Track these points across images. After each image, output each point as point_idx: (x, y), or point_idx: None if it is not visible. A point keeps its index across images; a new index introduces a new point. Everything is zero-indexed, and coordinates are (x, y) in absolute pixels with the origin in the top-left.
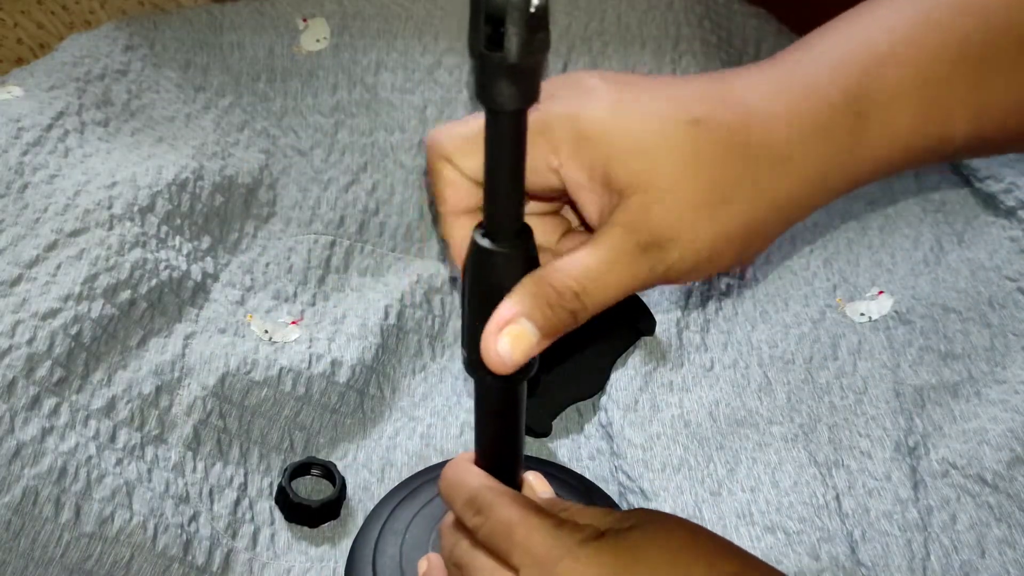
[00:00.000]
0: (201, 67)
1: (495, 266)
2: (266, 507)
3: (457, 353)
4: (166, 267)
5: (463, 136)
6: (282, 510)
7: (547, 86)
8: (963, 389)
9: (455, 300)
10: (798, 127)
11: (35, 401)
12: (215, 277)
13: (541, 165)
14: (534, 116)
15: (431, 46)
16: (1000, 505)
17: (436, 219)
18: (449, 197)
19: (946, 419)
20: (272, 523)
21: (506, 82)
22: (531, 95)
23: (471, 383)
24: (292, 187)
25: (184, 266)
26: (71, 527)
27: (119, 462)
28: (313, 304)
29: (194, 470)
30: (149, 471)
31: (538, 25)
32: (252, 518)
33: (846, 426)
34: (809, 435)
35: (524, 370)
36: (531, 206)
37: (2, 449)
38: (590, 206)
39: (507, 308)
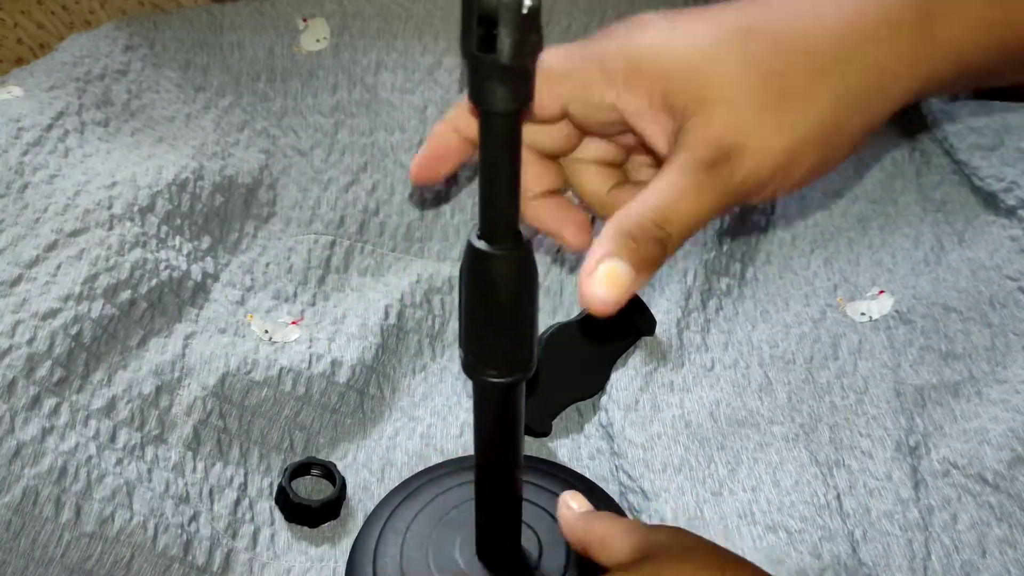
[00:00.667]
0: (201, 67)
1: (491, 268)
2: (266, 507)
3: (457, 353)
4: (166, 267)
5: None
6: (282, 510)
7: (606, 30)
8: (964, 389)
9: (455, 300)
10: (858, 25)
11: (35, 401)
12: (215, 277)
13: (596, 98)
14: (590, 51)
15: (431, 46)
16: (1001, 505)
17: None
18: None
19: (947, 419)
20: (272, 523)
21: (499, 83)
22: (524, 96)
23: (471, 383)
24: (292, 187)
25: (184, 266)
26: (71, 527)
27: (119, 462)
28: (313, 304)
29: (194, 470)
30: (149, 471)
31: (530, 26)
32: (252, 518)
33: (847, 426)
34: (810, 435)
35: (523, 368)
36: (590, 151)
37: (2, 449)
38: (656, 134)
39: (593, 251)
